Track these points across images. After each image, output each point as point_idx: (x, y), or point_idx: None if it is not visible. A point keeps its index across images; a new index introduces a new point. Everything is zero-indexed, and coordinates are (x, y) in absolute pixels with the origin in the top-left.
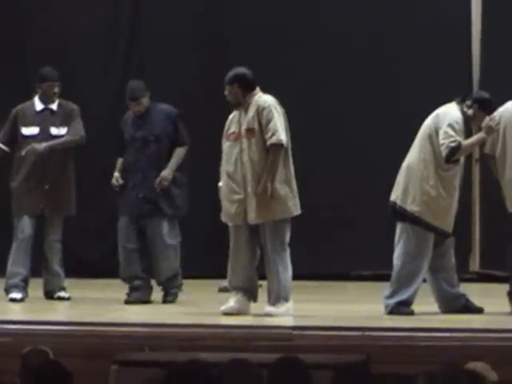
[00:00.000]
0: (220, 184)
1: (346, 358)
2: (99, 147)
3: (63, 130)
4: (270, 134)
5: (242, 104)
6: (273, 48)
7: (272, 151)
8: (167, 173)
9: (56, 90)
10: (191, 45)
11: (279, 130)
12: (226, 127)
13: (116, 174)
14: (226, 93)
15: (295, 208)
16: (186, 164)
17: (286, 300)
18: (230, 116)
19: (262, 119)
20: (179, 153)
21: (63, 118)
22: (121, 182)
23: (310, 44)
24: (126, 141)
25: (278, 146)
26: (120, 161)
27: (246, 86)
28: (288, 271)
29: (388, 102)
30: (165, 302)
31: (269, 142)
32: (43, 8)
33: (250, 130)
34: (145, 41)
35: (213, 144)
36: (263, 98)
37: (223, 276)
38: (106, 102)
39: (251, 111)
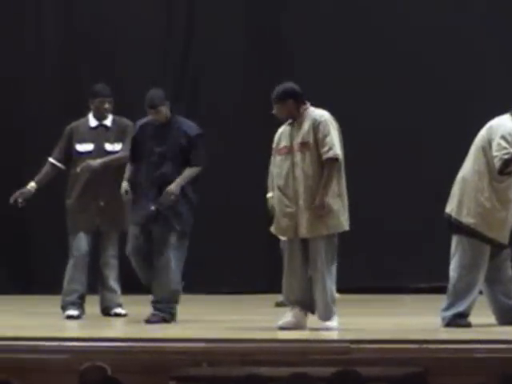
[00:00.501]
0: (268, 195)
1: (403, 371)
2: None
3: (118, 146)
4: (326, 148)
5: (296, 118)
6: (327, 60)
7: (328, 166)
8: (174, 187)
9: (107, 105)
10: (243, 58)
11: (336, 144)
12: (276, 141)
13: (125, 183)
14: (276, 110)
15: (346, 223)
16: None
17: (335, 313)
18: (280, 130)
19: (318, 133)
20: (190, 171)
21: (117, 134)
22: (130, 196)
23: (367, 61)
24: (143, 152)
25: (334, 160)
26: (129, 168)
27: (299, 100)
28: (334, 285)
29: (441, 115)
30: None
31: (325, 157)
32: (95, 22)
33: (304, 144)
34: (198, 54)
35: (265, 157)
36: (318, 112)
37: (279, 291)
38: None
39: (306, 125)
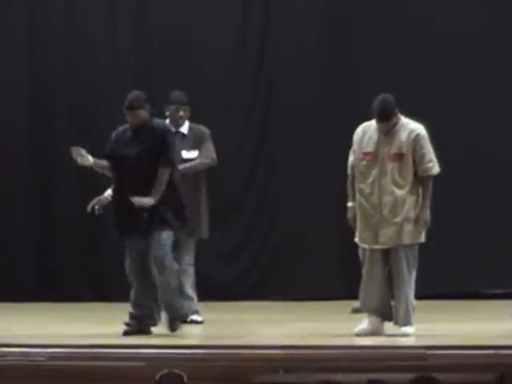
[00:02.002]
0: (349, 205)
1: (479, 377)
2: (229, 171)
3: (194, 154)
4: (429, 164)
5: (395, 127)
6: (403, 68)
7: (427, 180)
8: (146, 201)
9: (182, 113)
10: (319, 66)
11: (436, 161)
12: (358, 143)
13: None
14: (381, 126)
15: (424, 235)
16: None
17: (412, 320)
18: (359, 133)
19: (419, 148)
20: (162, 175)
21: (194, 142)
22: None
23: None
24: (121, 159)
25: (433, 176)
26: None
27: (396, 111)
28: (413, 292)
29: None
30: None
31: (428, 173)
32: (170, 33)
33: (399, 155)
34: (273, 64)
35: (341, 164)
36: (416, 125)
37: (355, 297)
38: (236, 126)
39: (402, 135)
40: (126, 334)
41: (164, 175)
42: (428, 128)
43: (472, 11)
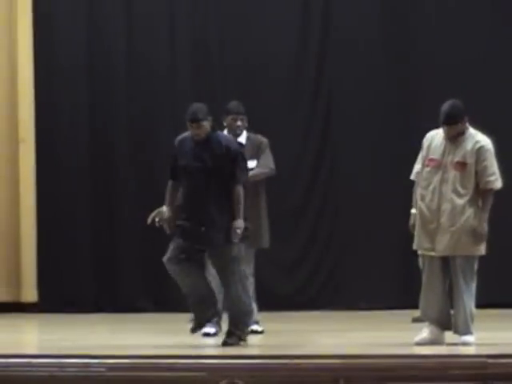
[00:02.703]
0: (412, 211)
1: None
2: (289, 181)
3: (253, 163)
4: (493, 177)
5: (460, 135)
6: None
7: (488, 193)
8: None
9: (239, 123)
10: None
11: (498, 175)
12: (425, 150)
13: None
14: (448, 130)
15: (484, 248)
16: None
17: (472, 329)
18: (429, 138)
19: (483, 159)
20: (237, 193)
21: (252, 151)
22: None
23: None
24: (184, 169)
25: (494, 190)
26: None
27: (464, 118)
28: (473, 301)
29: None
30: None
31: (491, 186)
32: (229, 43)
33: (462, 164)
34: (333, 70)
35: (403, 171)
36: (482, 137)
37: (416, 306)
38: (294, 138)
39: (468, 145)
40: (192, 331)
41: (241, 195)
42: (495, 140)
43: None
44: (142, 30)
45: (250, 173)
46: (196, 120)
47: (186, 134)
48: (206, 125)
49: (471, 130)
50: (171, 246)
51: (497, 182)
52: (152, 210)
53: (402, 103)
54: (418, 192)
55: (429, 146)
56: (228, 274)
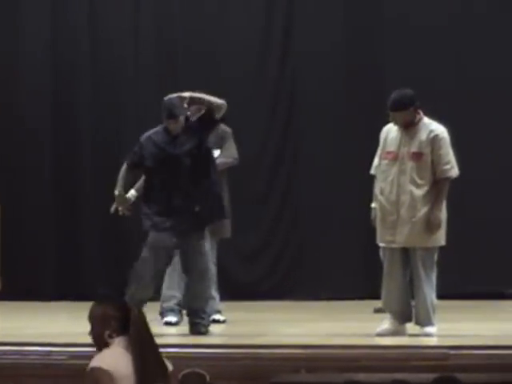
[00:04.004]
0: (373, 205)
1: (502, 377)
2: (251, 171)
3: (216, 153)
4: (448, 166)
5: (414, 126)
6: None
7: (443, 182)
8: None
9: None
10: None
11: (455, 164)
12: (382, 144)
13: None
14: (395, 118)
15: (444, 238)
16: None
17: (434, 320)
18: (385, 131)
19: (438, 149)
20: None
21: (216, 141)
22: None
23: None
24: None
25: (450, 178)
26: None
27: (417, 108)
28: (434, 292)
29: None
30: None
31: (446, 175)
32: (193, 36)
33: (418, 154)
34: (295, 67)
35: (366, 165)
36: (437, 126)
37: (378, 297)
38: (258, 126)
39: (422, 135)
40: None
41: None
42: (454, 132)
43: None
44: (105, 42)
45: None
46: (174, 116)
47: (154, 130)
48: (182, 119)
49: (425, 120)
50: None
51: (452, 171)
52: (113, 199)
53: (364, 101)
54: (376, 186)
55: (385, 139)
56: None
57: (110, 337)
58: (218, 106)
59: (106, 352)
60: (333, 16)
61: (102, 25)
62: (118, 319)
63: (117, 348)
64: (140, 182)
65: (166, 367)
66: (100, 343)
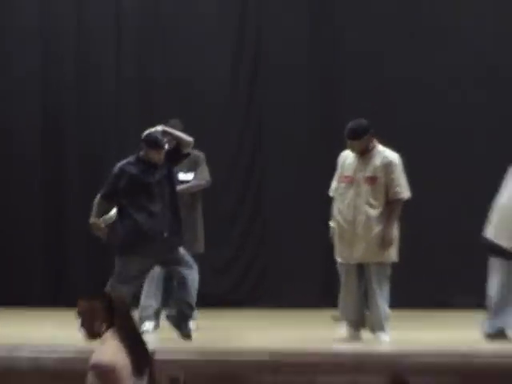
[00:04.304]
0: (331, 224)
1: (449, 381)
2: (222, 192)
3: (190, 176)
4: (398, 189)
5: (368, 152)
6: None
7: (396, 203)
8: None
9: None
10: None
11: (406, 187)
12: (339, 167)
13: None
14: (352, 146)
15: (396, 255)
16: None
17: (387, 327)
18: (343, 157)
19: (390, 173)
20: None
21: (189, 165)
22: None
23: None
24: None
25: (402, 200)
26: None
27: (371, 136)
28: (387, 303)
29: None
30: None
31: (397, 197)
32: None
33: (373, 178)
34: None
35: (326, 187)
36: (390, 153)
37: (336, 306)
38: (227, 150)
39: (376, 161)
40: None
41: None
42: (404, 154)
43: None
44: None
45: (188, 184)
46: (160, 147)
47: (127, 161)
48: (163, 151)
49: (380, 148)
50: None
51: (403, 193)
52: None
53: (325, 127)
54: (335, 207)
55: (342, 164)
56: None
57: (100, 327)
58: (187, 143)
59: (103, 347)
60: (297, 50)
61: (86, 42)
62: (104, 309)
63: (112, 342)
64: (114, 210)
65: (149, 352)
66: (92, 334)
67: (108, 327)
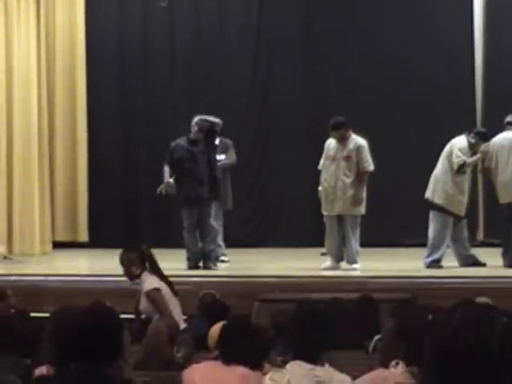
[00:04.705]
0: (319, 188)
1: (400, 296)
2: (244, 170)
3: (222, 156)
4: (366, 164)
5: (345, 139)
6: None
7: (364, 174)
8: None
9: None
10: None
11: (371, 163)
12: (326, 150)
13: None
14: (334, 135)
15: (364, 209)
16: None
17: (357, 260)
18: (328, 142)
19: (360, 153)
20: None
21: (222, 149)
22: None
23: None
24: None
25: (368, 172)
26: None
27: (347, 128)
28: (358, 242)
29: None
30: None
31: (365, 170)
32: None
33: (348, 157)
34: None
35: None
36: (359, 139)
37: (323, 245)
38: (250, 139)
39: (351, 144)
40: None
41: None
42: (370, 140)
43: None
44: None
45: (221, 162)
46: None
47: (179, 139)
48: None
49: (353, 135)
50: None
51: (370, 167)
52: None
53: (316, 124)
54: (322, 176)
55: (328, 147)
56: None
57: (137, 270)
58: (217, 124)
59: (149, 279)
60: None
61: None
62: (138, 257)
63: (153, 276)
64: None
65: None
66: (132, 277)
67: (142, 270)
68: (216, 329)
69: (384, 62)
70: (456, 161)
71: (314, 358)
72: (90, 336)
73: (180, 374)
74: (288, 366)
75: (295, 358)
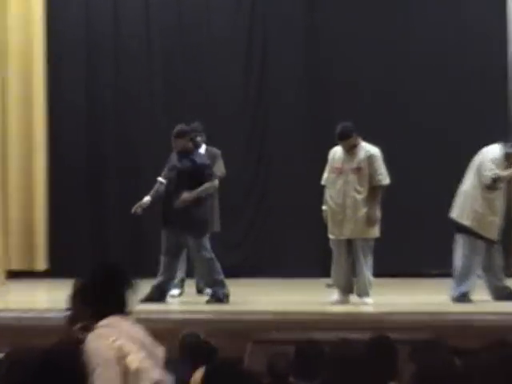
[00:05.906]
0: (323, 208)
1: (421, 336)
2: (233, 182)
3: None
4: (380, 177)
5: (354, 147)
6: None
7: (378, 189)
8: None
9: (199, 138)
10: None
11: (386, 175)
12: (330, 161)
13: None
14: (342, 144)
15: (378, 231)
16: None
17: (370, 292)
18: (333, 152)
19: (373, 164)
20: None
21: (210, 159)
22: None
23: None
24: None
25: (383, 186)
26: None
27: (357, 134)
28: (371, 272)
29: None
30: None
31: (379, 183)
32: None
33: (358, 169)
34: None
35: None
36: (372, 147)
37: (329, 275)
38: (237, 151)
39: (361, 154)
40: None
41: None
42: (385, 148)
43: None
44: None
45: None
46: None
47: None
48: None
49: (363, 143)
50: None
51: (384, 180)
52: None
53: (317, 131)
54: (327, 193)
55: (333, 158)
56: None
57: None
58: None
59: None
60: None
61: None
62: None
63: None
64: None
65: None
66: None
67: None
68: (199, 374)
69: (408, 62)
70: (488, 174)
71: None
72: (49, 381)
73: None
74: None
75: None
